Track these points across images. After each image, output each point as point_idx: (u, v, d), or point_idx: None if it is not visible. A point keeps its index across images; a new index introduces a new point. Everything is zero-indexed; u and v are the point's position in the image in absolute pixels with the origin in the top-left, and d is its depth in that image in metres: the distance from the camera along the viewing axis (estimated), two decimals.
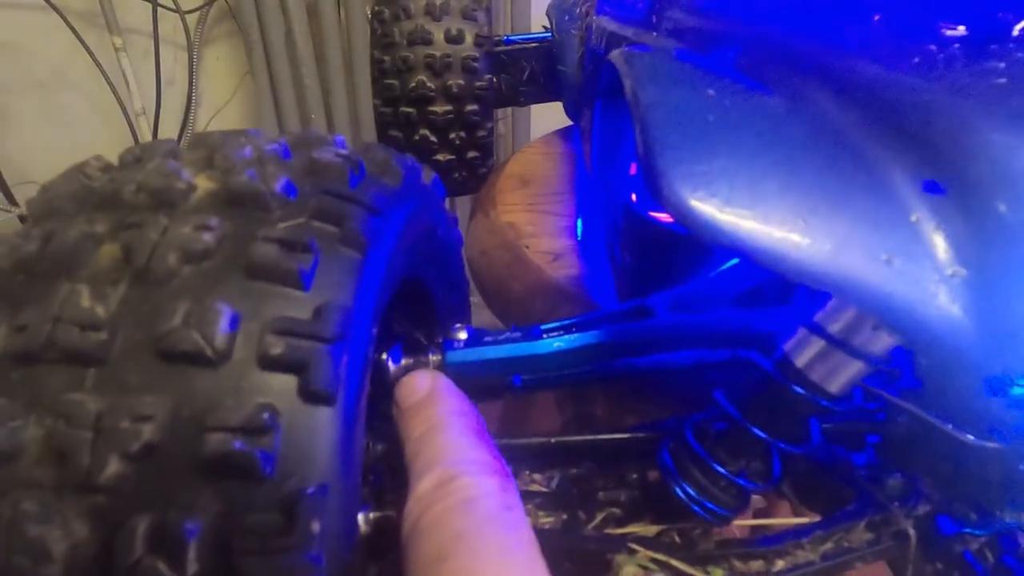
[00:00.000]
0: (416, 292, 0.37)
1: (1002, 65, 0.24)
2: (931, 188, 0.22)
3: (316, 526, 0.19)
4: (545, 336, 0.32)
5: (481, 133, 0.75)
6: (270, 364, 0.20)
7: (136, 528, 0.18)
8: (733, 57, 0.31)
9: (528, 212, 0.60)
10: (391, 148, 0.29)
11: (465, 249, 0.67)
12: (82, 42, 1.58)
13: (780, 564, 0.27)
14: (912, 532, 0.27)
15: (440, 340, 0.33)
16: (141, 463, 0.19)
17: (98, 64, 1.60)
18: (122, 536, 0.18)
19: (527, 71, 0.83)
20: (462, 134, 0.74)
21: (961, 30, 0.26)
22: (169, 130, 1.71)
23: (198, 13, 1.63)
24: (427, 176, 0.33)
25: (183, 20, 1.60)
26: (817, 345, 0.25)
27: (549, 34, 0.81)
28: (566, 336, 0.32)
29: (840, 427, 0.31)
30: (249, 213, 0.22)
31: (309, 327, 0.20)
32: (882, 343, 0.24)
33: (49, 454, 0.19)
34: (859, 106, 0.25)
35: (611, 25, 0.51)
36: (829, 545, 0.27)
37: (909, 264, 0.21)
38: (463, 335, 0.33)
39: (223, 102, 1.79)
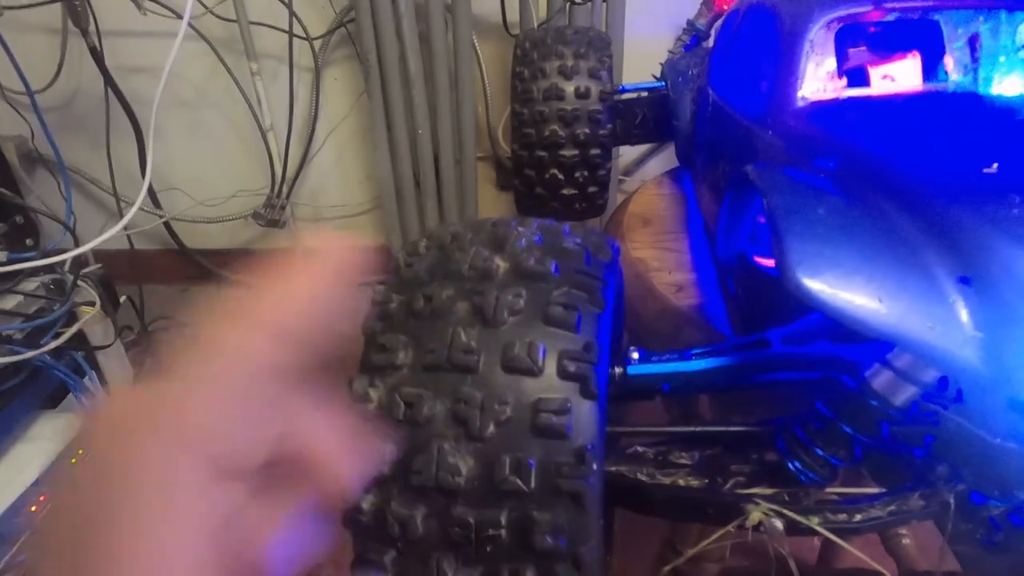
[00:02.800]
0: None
1: (1018, 199, 0.37)
2: (964, 281, 0.35)
3: (594, 465, 0.34)
4: (694, 358, 0.46)
5: (601, 172, 0.89)
6: (566, 376, 0.35)
7: (504, 462, 0.34)
8: (830, 169, 0.44)
9: (653, 248, 0.74)
10: (601, 232, 0.45)
11: None
12: (226, 67, 1.81)
13: (858, 517, 0.41)
14: (952, 502, 0.40)
15: (622, 357, 0.48)
16: (503, 427, 0.34)
17: (239, 86, 1.81)
18: (497, 465, 0.34)
19: (639, 116, 0.97)
20: (585, 173, 0.89)
21: (995, 168, 0.39)
22: (294, 143, 1.92)
23: (321, 40, 1.82)
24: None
25: (312, 46, 1.80)
26: (887, 374, 0.39)
27: (658, 84, 0.95)
28: (708, 358, 0.46)
29: (905, 429, 0.44)
30: (537, 285, 0.38)
31: (585, 355, 0.36)
32: (930, 375, 0.37)
33: (452, 420, 0.35)
34: (918, 219, 0.38)
35: (725, 105, 0.64)
36: (892, 507, 0.41)
37: (946, 328, 0.35)
38: (636, 355, 0.48)
39: (339, 119, 1.99)
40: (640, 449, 0.46)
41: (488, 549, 0.34)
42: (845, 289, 0.35)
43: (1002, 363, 0.34)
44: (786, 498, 0.42)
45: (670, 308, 0.65)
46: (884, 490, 0.42)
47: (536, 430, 0.34)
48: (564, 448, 0.34)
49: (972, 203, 0.37)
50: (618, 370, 0.47)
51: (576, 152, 0.87)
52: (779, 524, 0.40)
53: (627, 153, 1.95)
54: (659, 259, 0.72)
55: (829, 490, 0.43)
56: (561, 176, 0.89)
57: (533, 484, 0.34)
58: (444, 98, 1.84)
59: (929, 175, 0.40)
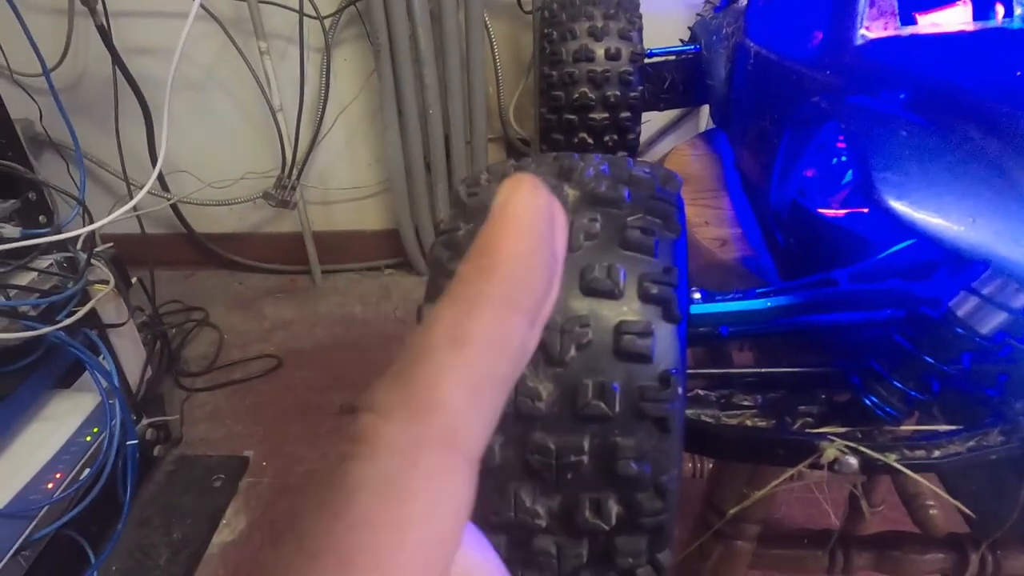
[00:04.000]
0: None
1: None
2: None
3: (679, 390, 0.33)
4: (760, 297, 0.45)
5: (631, 136, 0.88)
6: (648, 299, 0.34)
7: (586, 386, 0.32)
8: (901, 99, 0.43)
9: (692, 206, 0.73)
10: (661, 166, 0.43)
11: None
12: (236, 46, 1.79)
13: (936, 453, 0.39)
14: None
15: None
16: (584, 350, 0.33)
17: (249, 66, 1.79)
18: (579, 389, 0.32)
19: (668, 80, 0.96)
20: (615, 136, 0.88)
21: None
22: (304, 124, 1.90)
23: (331, 19, 1.81)
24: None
25: (322, 25, 1.79)
26: (974, 301, 0.37)
27: (688, 47, 0.93)
28: (772, 296, 0.45)
29: (983, 367, 0.43)
30: (610, 211, 0.36)
31: (666, 278, 0.34)
32: (1020, 299, 0.36)
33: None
34: (1002, 138, 0.37)
35: (770, 54, 0.63)
36: (972, 443, 0.40)
37: None
38: (698, 295, 0.47)
39: (348, 99, 1.97)
40: (702, 392, 0.45)
41: (569, 476, 0.33)
42: (936, 209, 0.34)
43: None
44: (859, 435, 0.41)
45: (716, 262, 0.64)
46: (961, 427, 0.40)
47: (619, 353, 0.33)
48: (648, 372, 0.33)
49: None
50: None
51: (606, 115, 0.86)
52: (854, 461, 0.39)
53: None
54: (699, 215, 0.71)
55: (904, 427, 0.42)
56: (591, 140, 0.87)
57: (617, 408, 0.32)
58: (455, 78, 1.82)
59: (1004, 96, 0.39)
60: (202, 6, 1.72)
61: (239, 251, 2.16)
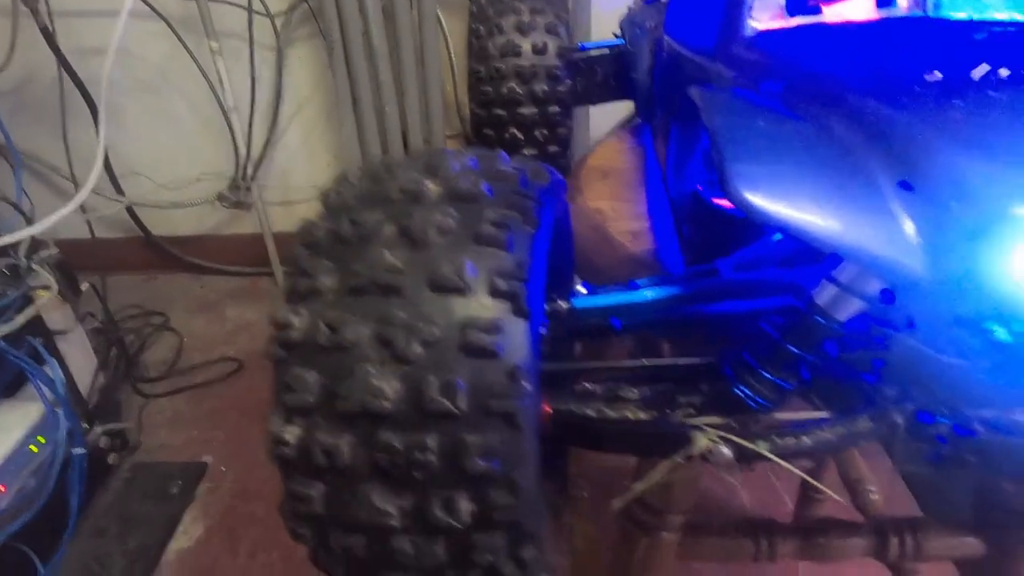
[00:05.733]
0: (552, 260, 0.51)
1: (960, 103, 0.36)
2: (905, 186, 0.34)
3: (526, 384, 0.33)
4: (641, 289, 0.45)
5: (561, 130, 0.88)
6: (497, 295, 0.34)
7: (431, 383, 0.32)
8: (777, 90, 0.43)
9: (610, 199, 0.73)
10: (538, 163, 0.43)
11: None
12: (185, 47, 1.76)
13: (806, 440, 0.40)
14: (901, 422, 0.39)
15: (568, 292, 0.47)
16: (431, 348, 0.33)
17: (199, 66, 1.77)
18: (424, 387, 0.32)
19: (600, 75, 0.96)
20: (545, 131, 0.88)
21: (938, 75, 0.38)
22: (257, 124, 1.88)
23: (283, 17, 1.79)
24: (557, 179, 0.47)
25: (273, 23, 1.77)
26: (832, 290, 0.38)
27: (619, 41, 0.93)
28: (655, 288, 0.45)
29: (855, 354, 0.43)
30: (468, 206, 0.36)
31: (517, 273, 0.34)
32: (874, 287, 0.36)
33: (377, 343, 0.33)
34: (862, 128, 0.37)
35: (680, 48, 0.63)
36: (841, 430, 0.40)
37: (888, 235, 0.34)
38: (583, 289, 0.47)
39: (304, 98, 1.95)
40: (589, 386, 0.45)
41: (417, 475, 0.33)
42: (786, 199, 0.34)
43: (944, 270, 0.33)
44: (734, 425, 0.41)
45: (625, 255, 0.64)
46: (832, 415, 0.41)
47: (466, 350, 0.33)
48: (495, 368, 0.33)
49: (915, 110, 0.36)
50: (564, 305, 0.46)
51: (535, 110, 0.86)
52: (727, 451, 0.39)
53: (598, 128, 1.93)
54: (616, 209, 0.71)
55: (778, 416, 0.42)
56: (520, 135, 0.87)
57: (463, 405, 0.32)
58: (411, 75, 1.81)
59: (874, 88, 0.39)
60: (149, 5, 1.70)
61: (199, 253, 2.13)
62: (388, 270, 0.34)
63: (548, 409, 0.44)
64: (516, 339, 0.33)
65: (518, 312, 0.34)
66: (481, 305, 0.33)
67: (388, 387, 0.33)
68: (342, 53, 1.76)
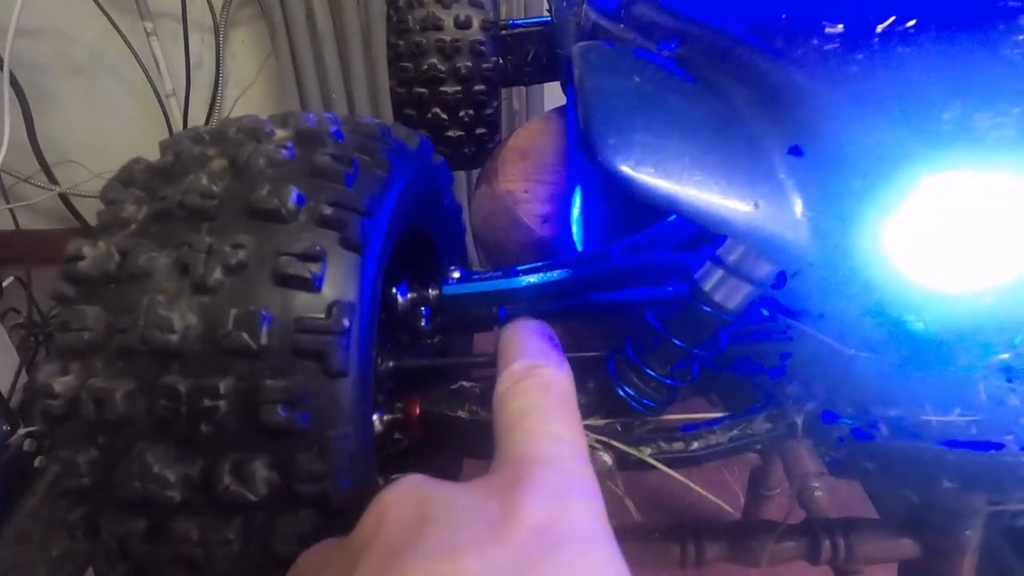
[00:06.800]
0: (423, 244, 0.46)
1: (860, 56, 0.31)
2: (794, 151, 0.30)
3: (346, 322, 0.28)
4: (521, 275, 0.40)
5: (488, 111, 0.83)
6: (323, 222, 0.30)
7: (228, 316, 0.27)
8: (672, 49, 0.38)
9: (525, 181, 0.68)
10: (413, 130, 0.38)
11: (470, 217, 0.75)
12: (116, 27, 1.67)
13: (695, 444, 0.35)
14: (799, 422, 0.35)
15: (439, 278, 0.41)
16: (235, 274, 0.28)
17: (131, 48, 1.69)
18: (220, 320, 0.27)
19: (531, 53, 0.90)
20: (471, 112, 0.82)
21: (839, 28, 0.33)
22: (198, 110, 1.80)
23: None
24: (437, 157, 0.42)
25: (210, 4, 1.69)
26: (719, 273, 0.33)
27: (545, 18, 0.88)
28: (537, 274, 0.40)
29: (759, 347, 0.39)
30: (314, 143, 0.32)
31: (349, 202, 0.30)
32: (763, 269, 0.31)
33: (175, 271, 0.28)
34: (753, 90, 0.32)
35: (597, 17, 0.58)
36: (735, 432, 0.35)
37: (773, 208, 0.29)
38: (456, 274, 0.41)
39: (248, 83, 1.87)
40: (467, 384, 0.40)
41: (204, 430, 0.27)
42: (657, 166, 0.29)
43: (830, 247, 0.29)
44: (619, 428, 0.36)
45: (534, 238, 0.59)
46: (724, 415, 0.36)
47: (277, 279, 0.28)
48: (311, 302, 0.28)
49: (812, 67, 0.31)
50: (433, 292, 0.41)
51: (459, 88, 0.80)
52: (607, 458, 0.35)
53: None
54: (530, 191, 0.66)
55: (667, 417, 0.37)
56: (444, 116, 0.82)
57: (264, 340, 0.27)
58: (357, 60, 1.74)
59: (769, 44, 0.34)
60: None
61: None
62: (201, 195, 0.30)
63: (416, 410, 0.39)
64: (341, 272, 0.29)
65: (347, 244, 0.29)
66: (302, 233, 0.29)
67: (179, 319, 0.27)
68: (285, 36, 1.69)
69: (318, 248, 0.29)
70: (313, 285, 0.28)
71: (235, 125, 0.35)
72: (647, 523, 0.71)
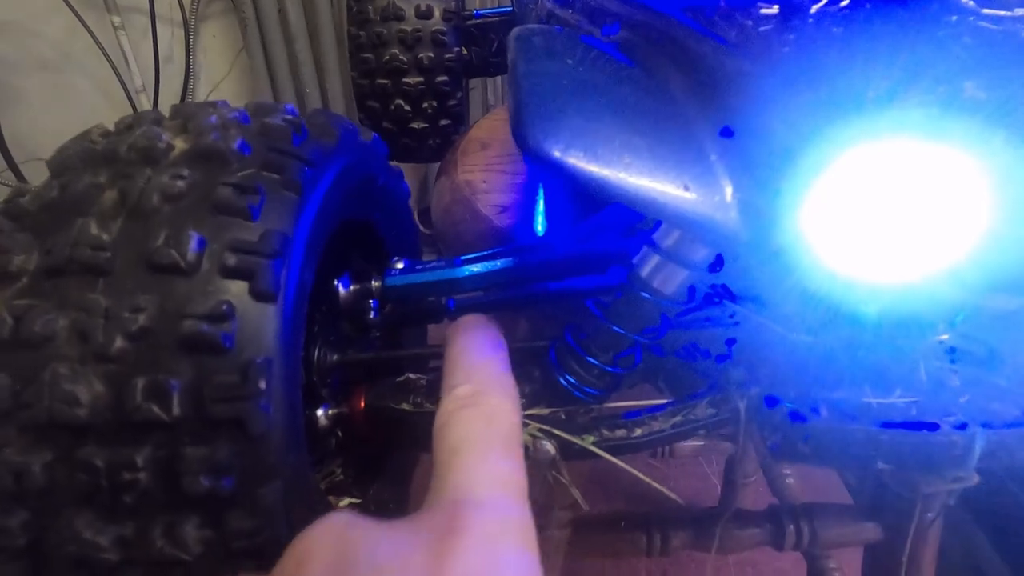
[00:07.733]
0: (366, 233, 0.45)
1: (792, 37, 0.31)
2: (725, 133, 0.29)
3: (263, 384, 0.27)
4: (464, 264, 0.39)
5: (452, 102, 0.82)
6: (228, 274, 0.27)
7: (137, 385, 0.26)
8: (614, 33, 0.38)
9: (484, 171, 0.68)
10: (333, 114, 0.37)
11: (432, 209, 0.74)
12: (82, 21, 1.64)
13: (638, 431, 0.35)
14: (742, 407, 0.35)
15: (383, 269, 0.41)
16: (138, 341, 0.26)
17: (98, 43, 1.66)
18: (127, 390, 0.26)
19: (495, 43, 0.90)
20: (434, 103, 0.81)
21: (775, 9, 0.33)
22: (167, 106, 1.77)
23: None
24: (366, 136, 0.41)
25: None
26: (655, 258, 0.32)
27: (507, 8, 0.88)
28: (481, 263, 0.39)
29: (706, 333, 0.39)
30: (213, 166, 0.30)
31: (256, 246, 0.28)
32: (699, 253, 0.31)
33: (74, 337, 0.27)
34: (687, 72, 0.32)
35: (551, 4, 0.58)
36: (678, 418, 0.35)
37: (703, 190, 0.28)
38: (400, 265, 0.41)
39: (220, 78, 1.85)
40: (412, 376, 0.39)
41: (128, 500, 0.26)
42: (587, 150, 0.29)
43: (765, 226, 0.28)
44: (563, 417, 0.36)
45: (491, 229, 0.59)
46: (667, 401, 0.36)
47: (183, 344, 0.27)
48: (222, 365, 0.27)
49: (744, 47, 0.31)
50: (376, 283, 0.40)
51: (421, 79, 0.80)
52: (550, 447, 0.34)
53: None
54: (488, 181, 0.66)
55: (610, 405, 0.37)
56: (407, 107, 0.81)
57: (176, 411, 0.26)
58: (331, 55, 1.73)
59: (704, 25, 0.34)
60: None
61: None
62: (92, 247, 0.28)
63: (361, 404, 0.38)
64: (253, 329, 0.27)
65: (258, 295, 0.27)
66: (207, 288, 0.27)
67: (86, 391, 0.26)
68: (257, 31, 1.67)
69: (225, 307, 0.27)
70: (222, 347, 0.27)
71: (127, 140, 0.32)
72: (612, 513, 0.71)
